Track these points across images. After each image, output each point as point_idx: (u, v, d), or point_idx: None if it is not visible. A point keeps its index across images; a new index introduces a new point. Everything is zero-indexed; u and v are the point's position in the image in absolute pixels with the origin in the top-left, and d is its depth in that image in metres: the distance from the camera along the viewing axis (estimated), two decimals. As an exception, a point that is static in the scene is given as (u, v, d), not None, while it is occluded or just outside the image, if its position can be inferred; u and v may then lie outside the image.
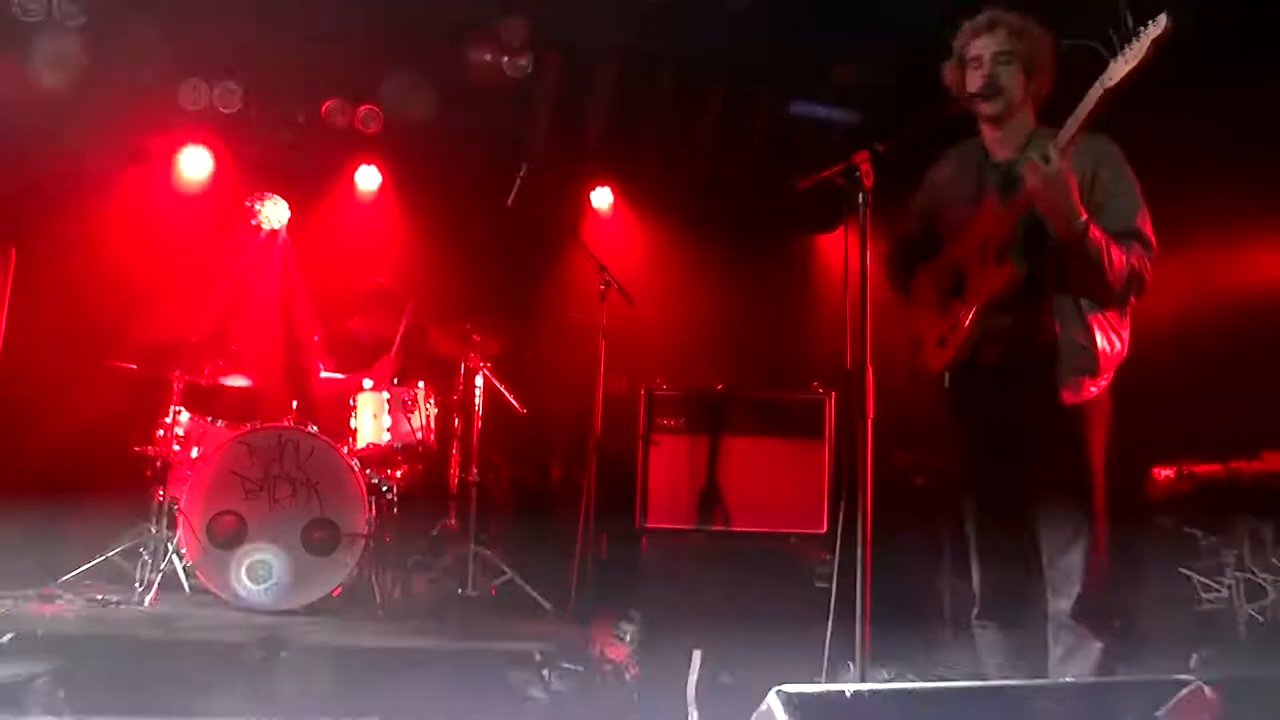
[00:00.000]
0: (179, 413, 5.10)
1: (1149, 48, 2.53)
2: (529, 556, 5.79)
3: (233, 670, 3.78)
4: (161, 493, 4.97)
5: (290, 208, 6.11)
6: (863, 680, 2.49)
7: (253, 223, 6.02)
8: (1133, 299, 2.91)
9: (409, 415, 5.26)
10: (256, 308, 6.10)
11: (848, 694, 1.96)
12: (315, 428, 4.99)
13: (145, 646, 3.88)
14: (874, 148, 2.74)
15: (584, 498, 4.83)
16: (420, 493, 5.68)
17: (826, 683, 3.13)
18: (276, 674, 3.77)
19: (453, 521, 5.44)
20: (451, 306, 5.85)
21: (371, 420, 5.27)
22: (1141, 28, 2.55)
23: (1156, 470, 4.16)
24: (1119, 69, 2.59)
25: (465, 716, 3.72)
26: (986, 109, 3.01)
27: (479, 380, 5.64)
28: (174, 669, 3.77)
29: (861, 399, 2.66)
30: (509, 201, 5.37)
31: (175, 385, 5.15)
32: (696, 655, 3.51)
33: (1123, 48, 2.57)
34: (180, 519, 4.69)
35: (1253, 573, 3.88)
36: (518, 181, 5.34)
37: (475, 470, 5.52)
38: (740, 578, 4.00)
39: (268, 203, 5.98)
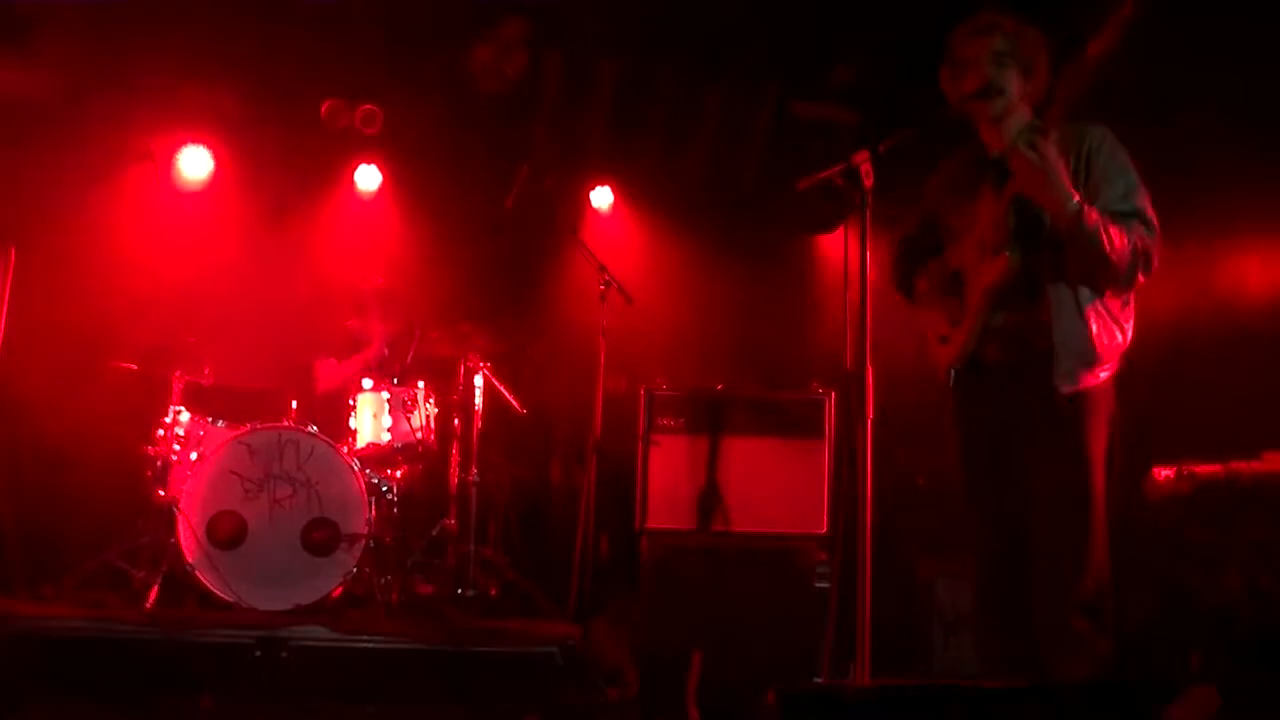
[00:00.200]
0: (179, 413, 5.09)
1: (1116, 27, 2.55)
2: (529, 556, 5.79)
3: (233, 670, 3.78)
4: (161, 493, 4.97)
5: (290, 207, 6.11)
6: (863, 680, 2.49)
7: None
8: (1141, 278, 2.89)
9: (409, 415, 5.26)
10: (256, 308, 6.09)
11: (848, 694, 1.97)
12: (315, 428, 4.99)
13: (145, 647, 3.88)
14: (874, 148, 2.75)
15: (584, 498, 4.82)
16: (420, 493, 5.69)
17: (826, 683, 3.14)
18: (276, 674, 3.78)
19: (453, 521, 5.44)
20: (451, 306, 5.85)
21: (371, 420, 5.27)
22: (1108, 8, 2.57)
23: (1156, 470, 4.16)
24: (1089, 50, 2.61)
25: (465, 716, 3.72)
26: (985, 110, 3.02)
27: (479, 380, 5.64)
28: (174, 669, 3.77)
29: (861, 399, 2.66)
30: (509, 201, 5.37)
31: (175, 385, 5.15)
32: (696, 656, 3.51)
33: (1092, 29, 2.59)
34: (180, 519, 4.69)
35: (1253, 573, 3.87)
36: (518, 182, 5.35)
37: (475, 470, 5.52)
38: (740, 578, 4.00)
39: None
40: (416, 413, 5.28)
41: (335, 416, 5.35)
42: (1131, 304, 3.00)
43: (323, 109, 6.31)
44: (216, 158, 6.39)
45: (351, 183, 6.72)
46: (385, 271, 6.00)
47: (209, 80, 6.02)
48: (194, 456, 4.99)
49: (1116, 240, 2.81)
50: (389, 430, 5.25)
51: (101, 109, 5.88)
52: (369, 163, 6.68)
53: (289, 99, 6.22)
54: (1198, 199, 4.64)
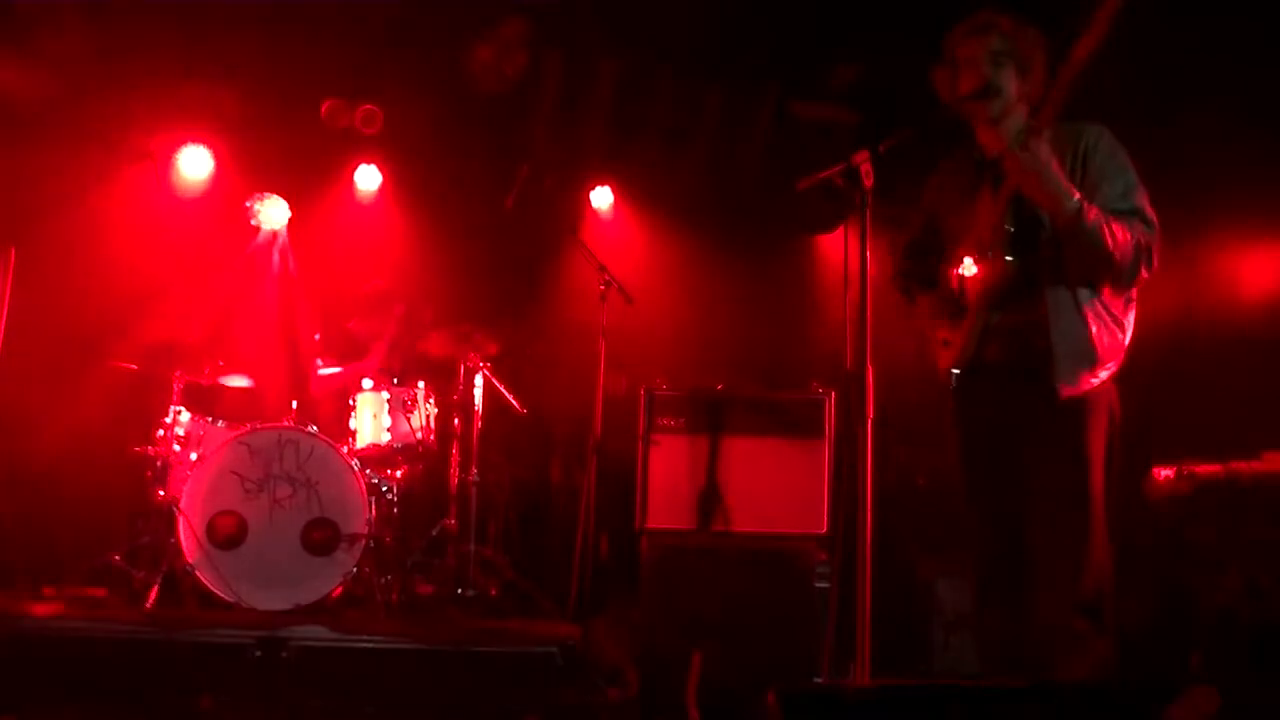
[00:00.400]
0: (179, 413, 5.10)
1: (1103, 22, 2.55)
2: (529, 556, 5.79)
3: (233, 670, 3.78)
4: (161, 493, 4.97)
5: (290, 208, 6.11)
6: (863, 680, 2.49)
7: (253, 223, 6.02)
8: (1144, 273, 2.89)
9: (409, 415, 5.27)
10: (256, 308, 6.10)
11: (848, 694, 1.97)
12: (315, 428, 4.99)
13: (145, 647, 3.88)
14: (874, 148, 2.75)
15: (584, 498, 4.82)
16: (420, 493, 5.69)
17: (826, 683, 3.14)
18: (276, 674, 3.78)
19: (453, 521, 5.44)
20: (451, 306, 5.85)
21: (371, 420, 5.27)
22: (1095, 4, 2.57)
23: (1156, 470, 4.16)
24: (1081, 47, 2.61)
25: (465, 716, 3.72)
26: (983, 110, 3.02)
27: (479, 380, 5.64)
28: (174, 669, 3.77)
29: (861, 399, 2.66)
30: (509, 201, 5.37)
31: (175, 385, 5.15)
32: (696, 656, 3.51)
33: (1083, 26, 2.60)
34: (180, 519, 4.69)
35: (1253, 573, 3.87)
36: (518, 182, 5.35)
37: (475, 470, 5.52)
38: (740, 578, 3.99)
39: (267, 202, 5.98)
40: (416, 413, 5.28)
41: (335, 416, 5.35)
42: (1133, 304, 2.99)
43: (323, 109, 6.31)
44: (216, 158, 6.39)
45: (351, 183, 6.72)
46: (385, 272, 6.00)
47: (209, 80, 6.02)
48: (194, 456, 4.99)
49: (1119, 235, 2.81)
50: (389, 430, 5.26)
51: (101, 109, 5.88)
52: (369, 163, 6.68)
53: (289, 99, 6.22)
54: (1197, 199, 4.64)
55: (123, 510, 5.20)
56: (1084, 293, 2.91)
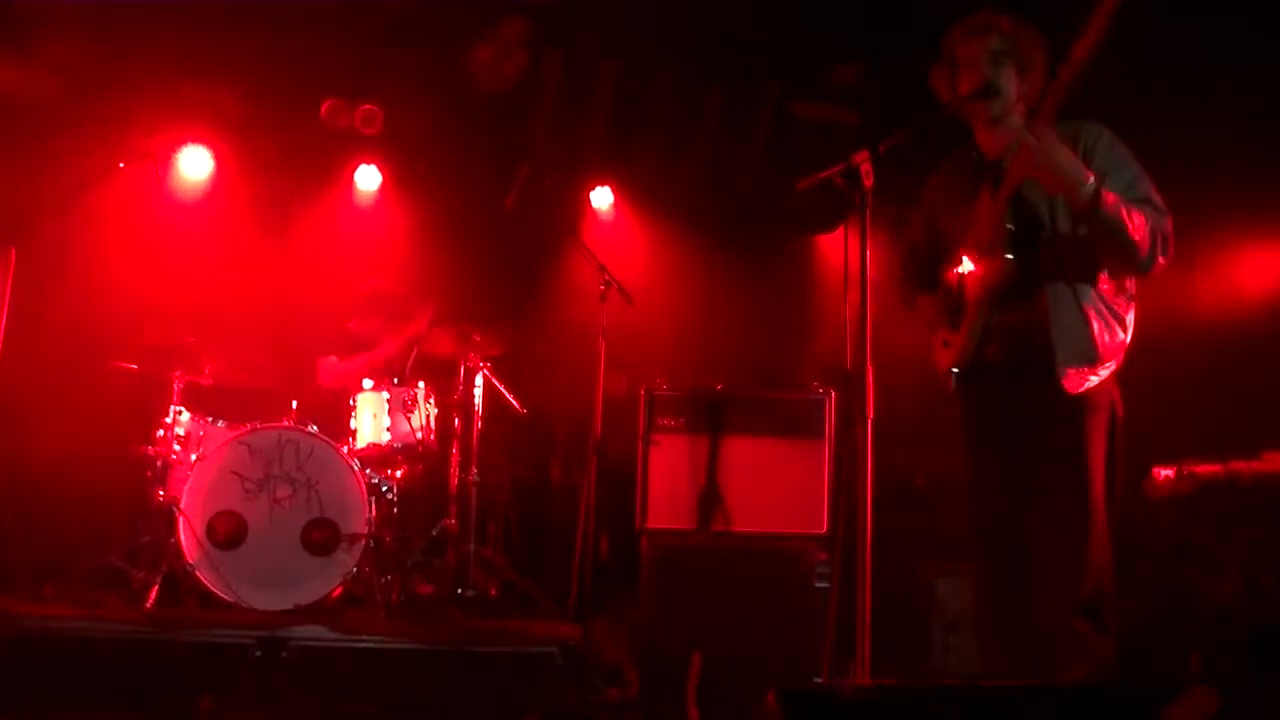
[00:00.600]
0: (179, 413, 5.09)
1: (1105, 22, 2.55)
2: (529, 556, 5.79)
3: (233, 670, 3.78)
4: (161, 493, 4.97)
5: (290, 207, 6.11)
6: (863, 680, 2.49)
7: None
8: (1161, 260, 2.89)
9: (409, 415, 5.27)
10: (256, 308, 6.09)
11: (848, 694, 1.97)
12: (315, 428, 4.99)
13: (145, 647, 3.88)
14: (874, 148, 2.75)
15: (584, 498, 4.82)
16: (420, 493, 5.69)
17: (826, 683, 3.14)
18: (276, 674, 3.78)
19: (453, 521, 5.44)
20: (451, 306, 5.85)
21: (371, 420, 5.27)
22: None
23: (1156, 470, 4.16)
24: (1080, 46, 2.61)
25: (465, 716, 3.72)
26: (983, 110, 3.02)
27: (479, 380, 5.64)
28: (173, 669, 3.77)
29: (861, 399, 2.66)
30: (509, 201, 5.37)
31: (175, 385, 5.15)
32: (696, 656, 3.51)
33: (1083, 25, 2.60)
34: (180, 519, 4.69)
35: (1253, 573, 3.87)
36: (518, 181, 5.35)
37: (475, 470, 5.52)
38: (740, 578, 3.99)
39: None
40: (417, 413, 5.28)
41: (335, 416, 5.35)
42: (1134, 301, 2.99)
43: (323, 109, 6.31)
44: (216, 158, 6.39)
45: (351, 183, 6.72)
46: (385, 272, 6.00)
47: (209, 80, 6.02)
48: (194, 456, 4.99)
49: (1137, 220, 2.81)
50: (389, 430, 5.26)
51: (101, 109, 5.88)
52: (369, 163, 6.68)
53: (289, 99, 6.22)
54: (1196, 199, 4.63)
55: (123, 510, 5.20)
56: (1085, 291, 2.91)
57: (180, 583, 4.80)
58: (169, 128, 6.22)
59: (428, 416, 5.33)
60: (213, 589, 4.65)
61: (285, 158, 6.33)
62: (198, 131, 6.31)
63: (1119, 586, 2.92)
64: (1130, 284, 3.00)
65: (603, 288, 5.06)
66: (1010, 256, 2.93)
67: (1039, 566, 2.95)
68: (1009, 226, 2.94)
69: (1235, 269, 5.19)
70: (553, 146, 6.52)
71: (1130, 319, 2.98)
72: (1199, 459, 4.07)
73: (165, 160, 6.31)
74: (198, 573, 4.67)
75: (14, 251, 4.97)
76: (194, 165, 6.38)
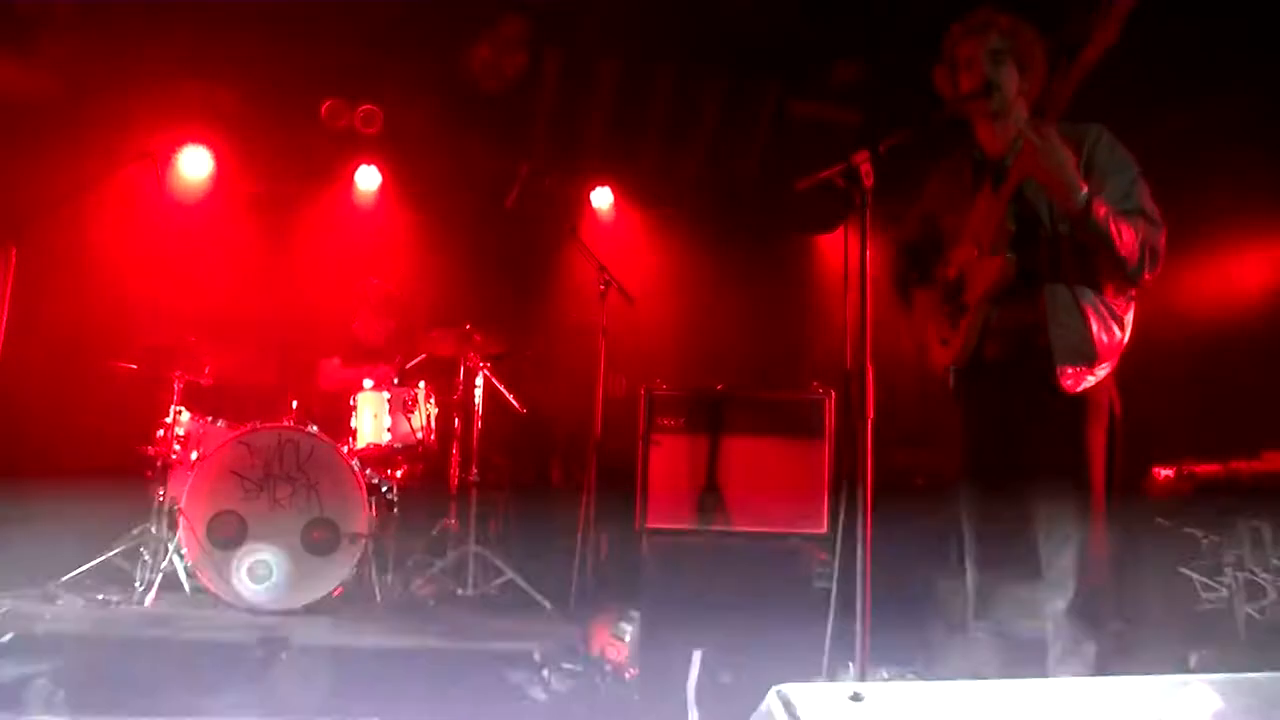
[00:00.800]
0: (179, 413, 5.10)
1: (1115, 23, 2.55)
2: (529, 556, 5.79)
3: (233, 670, 3.78)
4: (161, 493, 4.97)
5: (290, 208, 6.11)
6: (863, 680, 2.49)
7: None
8: (1148, 274, 2.90)
9: (409, 415, 5.27)
10: (256, 308, 6.09)
11: (848, 694, 1.97)
12: (315, 428, 4.99)
13: (145, 646, 3.87)
14: (874, 148, 2.75)
15: (584, 498, 4.82)
16: (420, 493, 5.68)
17: (826, 683, 3.13)
18: (276, 674, 3.78)
19: (453, 521, 5.44)
20: (452, 306, 5.86)
21: (371, 420, 5.28)
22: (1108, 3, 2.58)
23: (1156, 470, 4.16)
24: (1092, 47, 2.61)
25: (465, 716, 3.72)
26: (983, 108, 3.02)
27: (479, 380, 5.64)
28: (174, 669, 3.77)
29: (861, 399, 2.66)
30: (509, 201, 5.37)
31: (175, 385, 5.15)
32: (696, 655, 3.51)
33: (1096, 26, 2.60)
34: (180, 519, 4.70)
35: (1252, 572, 3.87)
36: (518, 181, 5.35)
37: (475, 470, 5.52)
38: (740, 578, 3.99)
39: None
40: (417, 413, 5.28)
41: (335, 416, 5.35)
42: (1133, 302, 3.00)
43: (323, 109, 6.31)
44: (217, 158, 6.39)
45: (351, 183, 6.72)
46: (385, 272, 6.00)
47: (209, 80, 6.03)
48: (194, 456, 4.99)
49: (1125, 235, 2.81)
50: (389, 430, 5.26)
51: (101, 109, 5.88)
52: (369, 163, 6.68)
53: (289, 99, 6.22)
54: (1196, 199, 4.64)
55: (123, 510, 5.20)
56: (1084, 290, 2.91)
57: (180, 583, 4.81)
58: (169, 128, 6.22)
59: (428, 416, 5.33)
60: (213, 589, 4.65)
61: (285, 158, 6.34)
62: (198, 131, 6.31)
63: (1119, 586, 2.92)
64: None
65: (603, 288, 5.06)
66: (1010, 255, 2.93)
67: (1039, 564, 2.95)
68: (1010, 226, 2.95)
69: (1234, 269, 5.19)
70: (553, 146, 6.52)
71: (1129, 319, 2.98)
72: (1199, 459, 4.07)
73: (165, 160, 6.32)
74: (198, 573, 4.67)
75: (14, 251, 4.96)
76: (194, 165, 6.38)
